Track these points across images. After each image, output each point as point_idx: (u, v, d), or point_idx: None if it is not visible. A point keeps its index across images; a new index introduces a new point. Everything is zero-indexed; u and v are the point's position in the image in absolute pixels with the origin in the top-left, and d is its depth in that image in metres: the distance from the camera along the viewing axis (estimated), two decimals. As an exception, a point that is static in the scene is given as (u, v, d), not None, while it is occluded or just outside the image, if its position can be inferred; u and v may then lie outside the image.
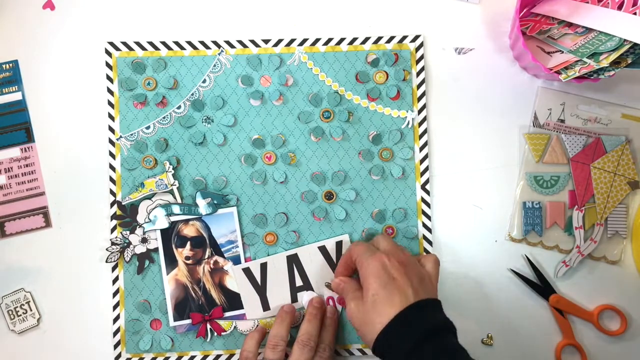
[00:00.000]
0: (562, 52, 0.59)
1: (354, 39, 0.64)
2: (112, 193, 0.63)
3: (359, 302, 0.53)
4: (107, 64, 0.64)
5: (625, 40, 0.55)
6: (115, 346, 0.62)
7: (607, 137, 0.63)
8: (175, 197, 0.62)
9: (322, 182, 0.63)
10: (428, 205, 0.63)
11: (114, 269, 0.62)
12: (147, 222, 0.62)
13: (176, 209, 0.62)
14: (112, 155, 0.63)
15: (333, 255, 0.62)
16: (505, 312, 0.63)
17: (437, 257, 0.57)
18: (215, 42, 0.64)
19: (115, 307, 0.62)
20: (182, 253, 0.62)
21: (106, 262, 0.62)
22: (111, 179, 0.63)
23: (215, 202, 0.62)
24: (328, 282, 0.62)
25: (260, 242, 0.63)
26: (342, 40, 0.64)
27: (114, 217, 0.62)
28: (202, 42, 0.64)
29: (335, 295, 0.62)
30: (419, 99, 0.64)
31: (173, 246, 0.62)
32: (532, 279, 0.63)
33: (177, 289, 0.62)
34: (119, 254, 0.62)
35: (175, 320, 0.62)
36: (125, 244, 0.62)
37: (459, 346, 0.51)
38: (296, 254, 0.62)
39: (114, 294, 0.62)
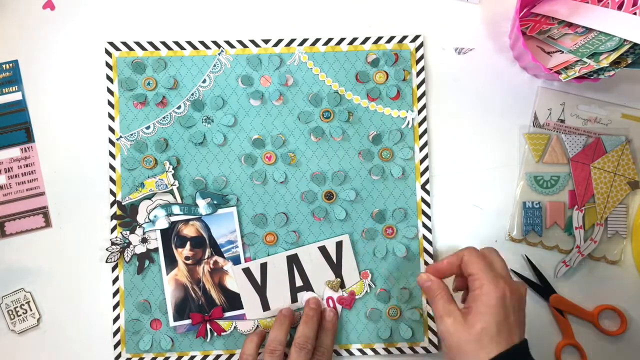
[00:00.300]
0: (562, 52, 0.59)
1: (354, 39, 0.64)
2: (112, 193, 0.63)
3: (459, 324, 0.49)
4: (107, 64, 0.64)
5: (625, 40, 0.55)
6: (115, 346, 0.62)
7: (607, 137, 0.63)
8: (175, 197, 0.62)
9: (322, 182, 0.63)
10: (428, 205, 0.63)
11: (114, 269, 0.62)
12: (147, 222, 0.62)
13: (176, 209, 0.62)
14: (112, 155, 0.63)
15: (333, 255, 0.62)
16: (505, 312, 0.63)
17: (526, 286, 0.54)
18: (215, 42, 0.64)
19: (115, 307, 0.62)
20: (182, 253, 0.62)
21: (106, 262, 0.62)
22: (111, 179, 0.63)
23: (215, 202, 0.62)
24: (328, 280, 0.62)
25: (260, 242, 0.63)
26: (342, 40, 0.64)
27: (114, 217, 0.62)
28: (202, 42, 0.64)
29: (335, 295, 0.62)
30: (419, 99, 0.64)
31: (173, 246, 0.62)
32: (532, 279, 0.63)
33: (177, 289, 0.62)
34: (119, 254, 0.62)
35: (175, 320, 0.62)
36: (125, 244, 0.62)
37: None
38: (296, 254, 0.62)
39: (114, 294, 0.62)
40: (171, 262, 0.62)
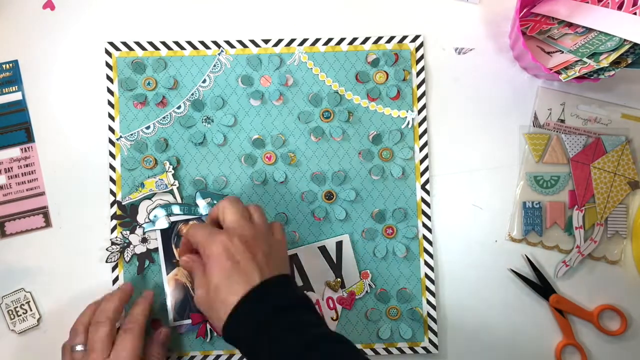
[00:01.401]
0: (562, 52, 0.59)
1: (354, 39, 0.64)
2: (112, 193, 0.63)
3: (203, 292, 0.50)
4: (107, 64, 0.64)
5: (625, 40, 0.55)
6: (115, 346, 0.62)
7: (607, 137, 0.63)
8: (175, 197, 0.62)
9: (322, 182, 0.63)
10: (428, 205, 0.63)
11: (114, 269, 0.62)
12: (147, 222, 0.62)
13: (176, 209, 0.62)
14: (112, 155, 0.63)
15: (333, 255, 0.62)
16: (505, 312, 0.63)
17: (282, 224, 0.55)
18: (215, 42, 0.64)
19: (115, 307, 0.62)
20: (182, 253, 0.62)
21: (106, 262, 0.62)
22: (111, 179, 0.63)
23: (215, 202, 0.62)
24: (328, 280, 0.62)
25: (260, 242, 0.63)
26: (342, 40, 0.64)
27: (114, 217, 0.62)
28: (202, 42, 0.64)
29: (335, 295, 0.62)
30: (419, 99, 0.64)
31: (173, 246, 0.62)
32: (532, 279, 0.63)
33: (177, 289, 0.62)
34: (119, 254, 0.62)
35: (175, 320, 0.61)
36: (125, 244, 0.62)
37: (312, 320, 0.49)
38: (296, 254, 0.62)
39: (114, 294, 0.62)
40: (171, 262, 0.62)
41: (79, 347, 0.55)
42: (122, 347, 0.54)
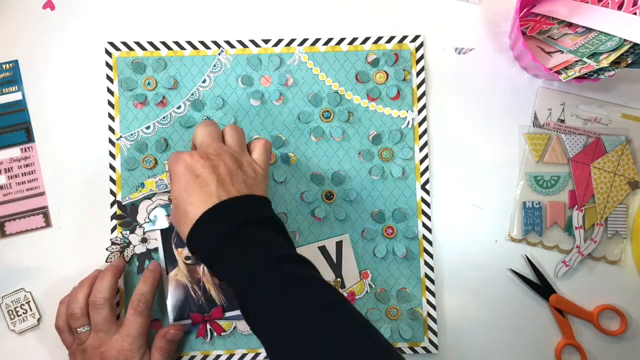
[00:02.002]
0: (562, 52, 0.59)
1: (354, 39, 0.64)
2: (112, 193, 0.63)
3: (172, 209, 0.51)
4: (107, 64, 0.64)
5: (625, 40, 0.55)
6: (115, 346, 0.62)
7: (607, 137, 0.63)
8: (175, 197, 0.62)
9: (322, 182, 0.63)
10: (428, 205, 0.63)
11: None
12: (147, 222, 0.62)
13: (176, 209, 0.62)
14: (112, 155, 0.63)
15: (333, 255, 0.62)
16: (505, 312, 0.63)
17: (267, 141, 0.54)
18: (215, 42, 0.64)
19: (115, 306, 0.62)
20: (182, 253, 0.62)
21: (106, 262, 0.62)
22: (111, 179, 0.63)
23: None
24: (328, 280, 0.62)
25: (260, 242, 0.63)
26: (342, 40, 0.64)
27: (114, 217, 0.62)
28: (202, 42, 0.64)
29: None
30: (419, 99, 0.64)
31: (173, 246, 0.62)
32: (532, 279, 0.63)
33: (177, 289, 0.62)
34: (119, 254, 0.62)
35: (175, 320, 0.61)
36: (125, 244, 0.62)
37: (276, 239, 0.47)
38: (296, 254, 0.62)
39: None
40: (171, 262, 0.62)
41: (83, 329, 0.55)
42: (130, 327, 0.55)
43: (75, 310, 0.56)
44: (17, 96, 0.64)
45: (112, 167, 0.63)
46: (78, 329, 0.56)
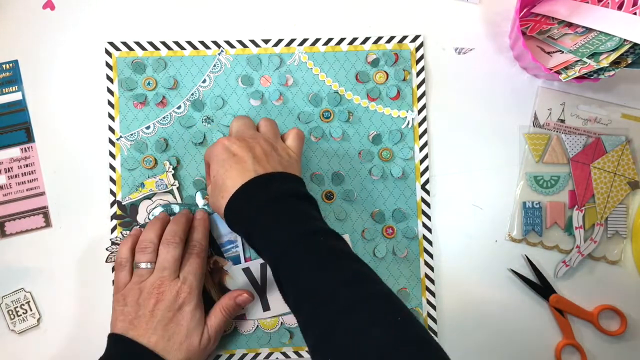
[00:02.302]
0: (562, 52, 0.59)
1: (354, 39, 0.64)
2: (112, 193, 0.63)
3: (210, 188, 0.53)
4: (107, 64, 0.64)
5: (625, 40, 0.55)
6: (115, 346, 0.62)
7: (607, 137, 0.63)
8: (175, 197, 0.62)
9: (321, 182, 0.63)
10: (428, 205, 0.63)
11: (114, 268, 0.62)
12: (147, 222, 0.62)
13: (176, 209, 0.62)
14: (112, 155, 0.63)
15: (333, 255, 0.62)
16: (506, 312, 0.63)
17: (300, 130, 0.56)
18: (215, 42, 0.64)
19: (115, 307, 0.62)
20: (182, 253, 0.62)
21: (106, 262, 0.62)
22: (111, 179, 0.63)
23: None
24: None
25: (260, 242, 0.63)
26: (342, 40, 0.64)
27: (114, 217, 0.62)
28: (202, 42, 0.64)
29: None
30: (419, 99, 0.64)
31: (173, 246, 0.62)
32: (532, 279, 0.63)
33: (177, 289, 0.62)
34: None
35: (175, 320, 0.61)
36: (125, 244, 0.62)
37: (310, 212, 0.49)
38: (296, 254, 0.62)
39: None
40: (171, 262, 0.62)
41: (147, 265, 0.55)
42: (191, 270, 0.55)
43: (147, 245, 0.55)
44: (17, 96, 0.64)
45: (112, 167, 0.63)
46: (142, 265, 0.55)
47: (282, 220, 0.48)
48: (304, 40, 0.64)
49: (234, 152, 0.51)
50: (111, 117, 0.63)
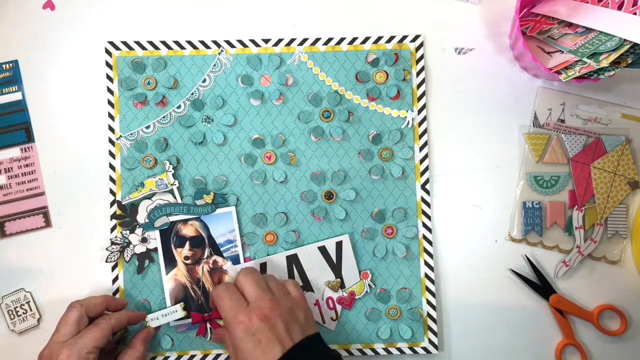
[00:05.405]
0: (562, 52, 0.59)
1: (354, 39, 0.64)
2: (112, 193, 0.63)
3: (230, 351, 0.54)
4: (107, 64, 0.64)
5: (625, 40, 0.55)
6: (115, 346, 0.62)
7: (607, 137, 0.63)
8: (175, 197, 0.62)
9: (322, 182, 0.63)
10: (428, 205, 0.63)
11: (113, 268, 0.62)
12: (146, 221, 0.62)
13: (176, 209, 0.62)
14: (112, 154, 0.63)
15: (333, 255, 0.62)
16: (506, 312, 0.63)
17: (294, 281, 0.59)
18: (215, 42, 0.64)
19: (115, 306, 0.62)
20: (181, 253, 0.62)
21: (106, 262, 0.62)
22: (111, 179, 0.63)
23: (215, 203, 0.62)
24: (328, 280, 0.62)
25: (260, 241, 0.63)
26: (342, 40, 0.64)
27: (114, 216, 0.62)
28: (202, 42, 0.64)
29: (335, 295, 0.62)
30: (419, 98, 0.64)
31: (172, 246, 0.62)
32: (532, 279, 0.63)
33: (177, 289, 0.62)
34: (119, 254, 0.62)
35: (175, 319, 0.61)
36: (125, 244, 0.62)
37: None
38: (296, 254, 0.62)
39: (114, 294, 0.62)
40: (171, 262, 0.62)
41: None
42: (84, 335, 0.54)
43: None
44: (17, 96, 0.64)
45: (112, 167, 0.63)
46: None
47: None
48: (304, 40, 0.64)
49: (258, 338, 0.51)
50: (111, 116, 0.63)
